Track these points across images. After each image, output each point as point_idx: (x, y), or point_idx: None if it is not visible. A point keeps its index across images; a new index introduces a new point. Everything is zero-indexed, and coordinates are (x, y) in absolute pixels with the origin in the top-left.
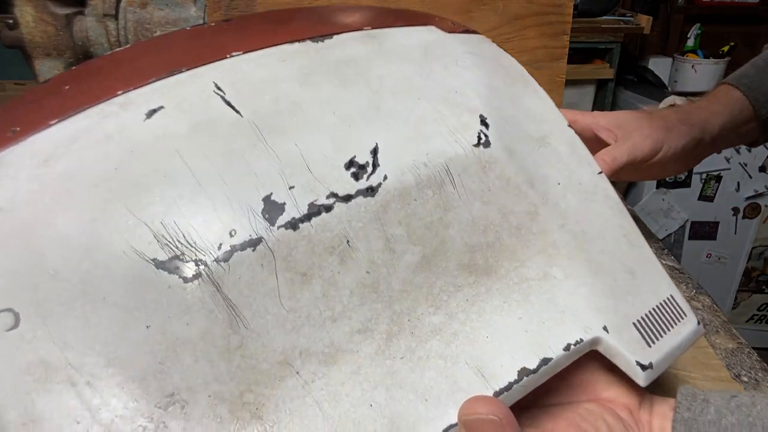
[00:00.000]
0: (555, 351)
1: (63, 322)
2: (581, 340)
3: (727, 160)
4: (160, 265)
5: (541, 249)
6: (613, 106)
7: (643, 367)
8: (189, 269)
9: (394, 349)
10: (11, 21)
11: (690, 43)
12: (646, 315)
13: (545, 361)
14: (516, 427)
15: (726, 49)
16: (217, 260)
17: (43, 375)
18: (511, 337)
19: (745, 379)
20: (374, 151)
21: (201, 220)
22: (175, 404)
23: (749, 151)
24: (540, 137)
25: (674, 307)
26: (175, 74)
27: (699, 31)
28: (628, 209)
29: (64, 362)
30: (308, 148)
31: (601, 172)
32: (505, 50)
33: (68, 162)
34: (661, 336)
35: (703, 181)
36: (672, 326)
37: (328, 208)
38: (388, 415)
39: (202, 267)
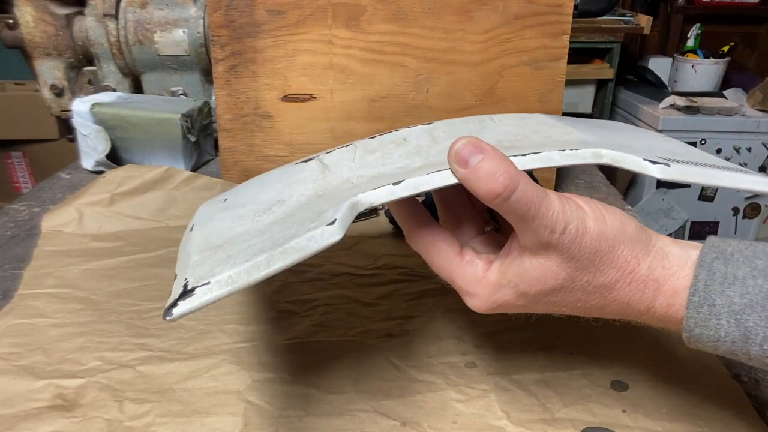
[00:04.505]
0: (553, 151)
1: (246, 190)
2: (579, 148)
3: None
4: (299, 163)
5: (567, 144)
6: (613, 106)
7: (654, 162)
8: (312, 160)
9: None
10: (11, 21)
11: (690, 43)
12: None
13: (537, 152)
14: (496, 150)
15: (726, 49)
16: (326, 153)
17: (225, 208)
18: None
19: (745, 379)
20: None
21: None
22: (282, 201)
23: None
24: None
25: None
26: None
27: (699, 31)
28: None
29: (237, 204)
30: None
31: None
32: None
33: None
34: (689, 165)
35: None
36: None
37: (397, 129)
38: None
39: (317, 157)
